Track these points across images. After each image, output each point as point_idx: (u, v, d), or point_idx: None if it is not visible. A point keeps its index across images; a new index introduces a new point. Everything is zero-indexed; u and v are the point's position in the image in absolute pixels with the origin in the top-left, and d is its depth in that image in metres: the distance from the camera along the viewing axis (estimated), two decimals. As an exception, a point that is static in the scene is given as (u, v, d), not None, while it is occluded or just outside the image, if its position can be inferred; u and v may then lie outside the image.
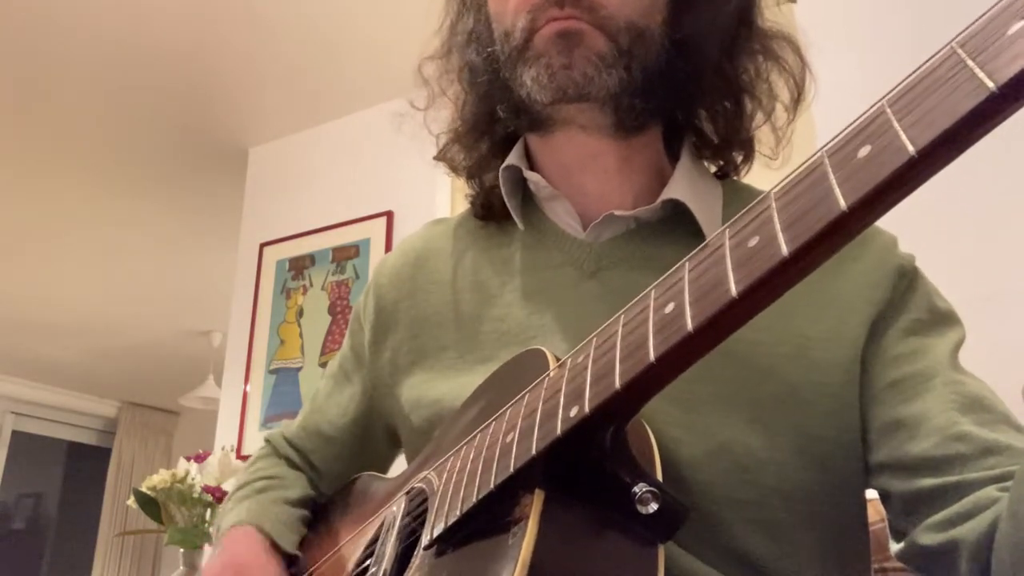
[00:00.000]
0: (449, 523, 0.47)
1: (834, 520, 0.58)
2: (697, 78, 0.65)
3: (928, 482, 0.52)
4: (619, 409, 0.42)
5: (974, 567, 0.47)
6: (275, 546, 0.69)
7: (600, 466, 0.43)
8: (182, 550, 2.09)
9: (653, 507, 0.42)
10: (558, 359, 0.52)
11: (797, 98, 0.69)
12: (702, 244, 0.40)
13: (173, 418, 6.24)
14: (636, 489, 0.42)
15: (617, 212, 0.64)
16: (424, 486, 0.56)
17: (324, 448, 0.80)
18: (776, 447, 0.55)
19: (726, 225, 0.39)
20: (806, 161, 0.36)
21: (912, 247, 0.64)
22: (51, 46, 2.52)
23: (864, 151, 0.32)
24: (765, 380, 0.57)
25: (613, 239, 0.66)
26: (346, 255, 2.65)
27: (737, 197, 0.68)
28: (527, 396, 0.49)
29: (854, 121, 0.34)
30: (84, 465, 5.92)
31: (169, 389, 5.30)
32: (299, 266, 2.73)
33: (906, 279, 0.61)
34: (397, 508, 0.60)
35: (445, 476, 0.53)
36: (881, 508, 0.58)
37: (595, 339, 0.45)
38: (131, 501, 2.17)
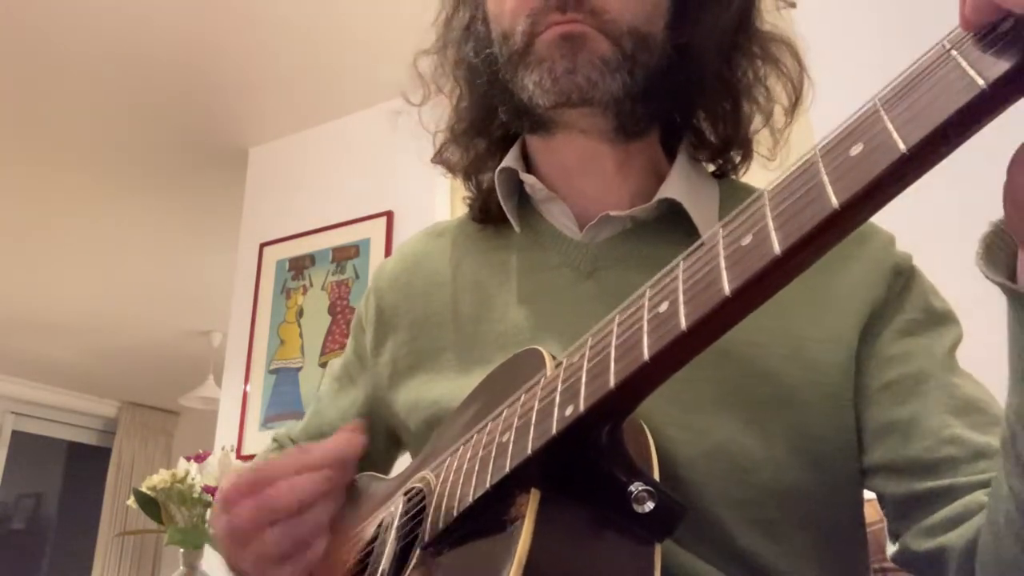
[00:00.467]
0: (446, 523, 0.48)
1: (831, 520, 0.58)
2: (698, 82, 0.65)
3: (920, 485, 0.52)
4: (614, 408, 0.42)
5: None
6: None
7: (596, 465, 0.43)
8: (182, 550, 2.09)
9: (649, 506, 0.42)
10: (554, 359, 0.52)
11: (795, 102, 0.69)
12: (696, 243, 0.40)
13: (173, 418, 6.24)
14: (632, 488, 0.42)
15: (613, 213, 0.64)
16: (422, 486, 0.56)
17: (326, 449, 0.80)
18: (773, 447, 0.55)
19: (720, 224, 0.39)
20: (799, 159, 0.36)
21: (909, 246, 0.64)
22: (51, 48, 2.52)
23: (856, 149, 0.32)
24: (762, 380, 0.57)
25: (609, 239, 0.66)
26: (346, 255, 2.65)
27: (734, 196, 0.68)
28: (523, 396, 0.49)
29: (847, 119, 0.34)
30: (84, 465, 5.92)
31: (169, 389, 5.30)
32: (299, 266, 2.73)
33: (902, 278, 0.61)
34: (395, 508, 0.60)
35: (443, 476, 0.53)
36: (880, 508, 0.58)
37: (590, 339, 0.45)
38: (131, 501, 2.17)
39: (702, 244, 0.40)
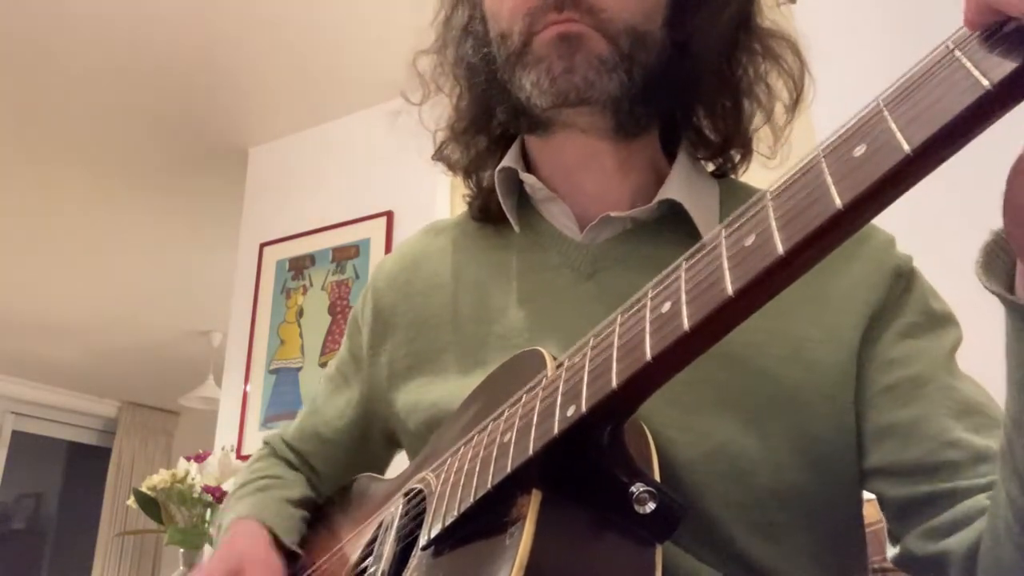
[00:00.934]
0: (447, 524, 0.47)
1: (831, 521, 0.58)
2: (697, 80, 0.65)
3: (920, 489, 0.52)
4: (616, 408, 0.42)
5: None
6: (277, 542, 0.69)
7: (597, 466, 0.43)
8: (182, 550, 2.09)
9: (651, 507, 0.42)
10: (555, 359, 0.52)
11: (796, 99, 0.68)
12: (699, 243, 0.40)
13: (173, 418, 6.23)
14: (634, 489, 0.42)
15: (613, 213, 0.64)
16: (422, 487, 0.56)
17: (322, 450, 0.80)
18: (773, 448, 0.55)
19: (723, 224, 0.39)
20: (802, 160, 0.36)
21: (909, 247, 0.64)
22: (52, 48, 2.52)
23: (860, 150, 0.32)
24: (762, 382, 0.57)
25: (610, 240, 0.66)
26: (346, 255, 2.65)
27: (734, 196, 0.67)
28: (524, 396, 0.49)
29: (850, 120, 0.34)
30: (84, 465, 5.92)
31: (169, 389, 5.30)
32: (299, 266, 2.73)
33: (902, 280, 0.60)
34: (395, 509, 0.60)
35: (443, 477, 0.53)
36: (880, 508, 0.58)
37: (592, 339, 0.45)
38: (131, 501, 2.17)
39: (705, 244, 0.39)
